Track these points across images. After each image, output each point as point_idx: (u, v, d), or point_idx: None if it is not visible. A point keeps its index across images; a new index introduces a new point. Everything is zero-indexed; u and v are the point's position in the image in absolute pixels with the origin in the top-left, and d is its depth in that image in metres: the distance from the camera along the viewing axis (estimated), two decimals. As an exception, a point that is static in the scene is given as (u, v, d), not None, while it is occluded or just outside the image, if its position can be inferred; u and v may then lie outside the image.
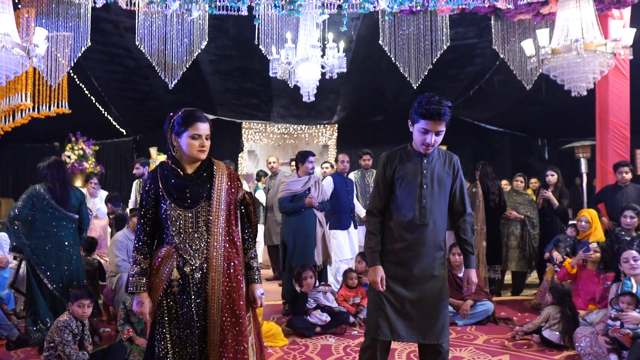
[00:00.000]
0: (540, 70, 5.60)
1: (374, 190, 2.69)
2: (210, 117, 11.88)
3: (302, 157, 5.02)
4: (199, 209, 2.24)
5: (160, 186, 2.24)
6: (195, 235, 2.22)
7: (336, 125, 12.77)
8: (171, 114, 2.30)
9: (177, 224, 2.22)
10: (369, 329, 2.65)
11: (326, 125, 12.85)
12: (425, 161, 2.58)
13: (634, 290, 3.47)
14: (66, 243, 4.15)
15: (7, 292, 4.56)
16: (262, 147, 13.40)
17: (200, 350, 2.20)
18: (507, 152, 13.30)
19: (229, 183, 2.30)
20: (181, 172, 2.26)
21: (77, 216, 4.28)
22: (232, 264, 2.24)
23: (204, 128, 2.24)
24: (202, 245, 2.23)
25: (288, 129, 13.09)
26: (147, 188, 2.27)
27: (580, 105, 5.92)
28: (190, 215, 2.23)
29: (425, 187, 2.54)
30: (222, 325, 2.18)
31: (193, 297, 2.20)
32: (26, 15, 5.93)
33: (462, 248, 2.68)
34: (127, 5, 4.75)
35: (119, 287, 4.40)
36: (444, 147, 8.98)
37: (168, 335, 2.18)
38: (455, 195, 2.63)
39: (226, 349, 2.17)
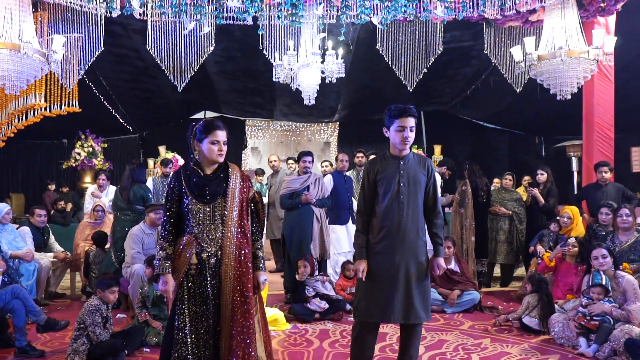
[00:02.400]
0: (529, 75, 5.93)
1: (361, 193, 3.07)
2: (215, 114, 12.21)
3: (297, 157, 5.55)
4: (216, 204, 2.63)
5: (184, 184, 2.62)
6: (212, 226, 2.61)
7: (337, 123, 13.07)
8: (193, 123, 2.70)
9: (197, 216, 2.60)
10: (358, 312, 2.99)
11: (328, 123, 13.15)
12: (402, 163, 2.97)
13: (603, 282, 3.83)
14: (126, 229, 5.18)
15: (31, 282, 4.94)
16: (265, 143, 13.70)
17: (214, 323, 2.58)
18: (504, 149, 13.53)
19: (241, 183, 2.69)
20: (201, 173, 2.64)
21: (140, 207, 5.31)
22: (242, 252, 2.63)
23: (222, 135, 2.64)
24: (218, 235, 2.61)
25: (291, 126, 13.38)
26: (172, 186, 2.66)
27: (575, 105, 6.24)
28: (208, 209, 2.61)
29: (402, 185, 2.93)
30: (232, 304, 2.57)
31: (209, 278, 2.58)
32: (39, 19, 6.27)
33: (432, 240, 3.06)
34: (140, 15, 5.08)
35: (132, 277, 4.76)
36: (439, 146, 9.22)
37: (187, 311, 2.57)
38: (429, 192, 3.02)
39: (236, 324, 2.55)
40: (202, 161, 2.66)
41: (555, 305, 4.47)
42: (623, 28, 6.43)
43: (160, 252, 2.60)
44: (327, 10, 4.92)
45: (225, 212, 2.61)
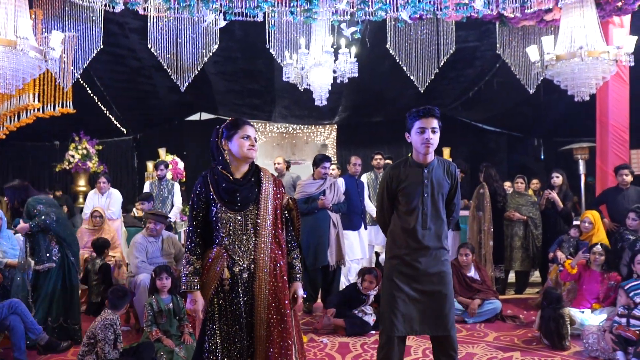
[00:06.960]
0: (544, 75, 5.77)
1: (379, 202, 2.93)
2: (211, 116, 11.95)
3: (316, 161, 5.16)
4: (247, 212, 2.37)
5: (211, 190, 2.36)
6: (244, 237, 2.36)
7: (335, 126, 12.88)
8: (217, 126, 2.47)
9: (228, 226, 2.35)
10: (384, 327, 2.82)
11: (325, 125, 12.95)
12: (425, 171, 2.79)
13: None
14: None
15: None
16: (260, 146, 13.44)
17: (247, 345, 2.33)
18: (502, 152, 13.43)
19: (274, 189, 2.44)
20: (231, 177, 2.39)
21: None
22: (277, 264, 2.38)
23: (252, 130, 2.42)
24: (250, 247, 2.36)
25: (287, 128, 13.17)
26: (197, 192, 2.39)
27: (577, 107, 6.09)
28: (239, 218, 2.36)
29: (426, 195, 2.77)
30: (268, 322, 2.32)
31: (241, 295, 2.33)
32: (33, 17, 5.98)
33: None
34: (144, 10, 4.83)
35: (138, 288, 4.50)
36: (447, 149, 8.99)
37: (218, 331, 2.31)
38: (451, 200, 2.87)
39: (272, 344, 2.30)
40: (232, 163, 2.41)
41: (582, 316, 4.30)
42: (637, 27, 6.30)
43: (188, 266, 2.34)
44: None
45: (258, 221, 2.36)
